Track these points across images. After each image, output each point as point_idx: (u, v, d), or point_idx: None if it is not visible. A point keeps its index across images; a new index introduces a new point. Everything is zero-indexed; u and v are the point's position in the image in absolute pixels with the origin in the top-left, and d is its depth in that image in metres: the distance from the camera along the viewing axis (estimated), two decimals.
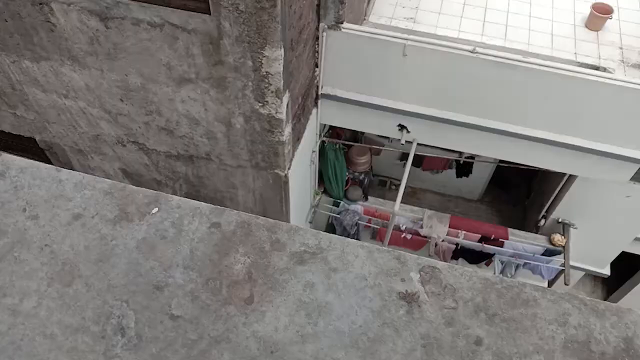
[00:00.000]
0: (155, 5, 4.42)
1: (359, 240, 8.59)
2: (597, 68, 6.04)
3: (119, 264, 1.55)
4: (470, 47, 5.47)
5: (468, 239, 8.00)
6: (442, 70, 5.74)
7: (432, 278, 1.51)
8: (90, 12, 4.69)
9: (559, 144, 6.09)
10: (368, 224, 8.35)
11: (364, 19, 6.92)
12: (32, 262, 1.55)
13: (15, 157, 1.73)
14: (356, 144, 8.38)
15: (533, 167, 6.80)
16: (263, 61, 4.58)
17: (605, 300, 10.86)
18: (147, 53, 4.89)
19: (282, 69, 4.64)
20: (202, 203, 1.66)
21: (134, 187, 1.68)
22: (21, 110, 6.38)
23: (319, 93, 6.37)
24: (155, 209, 1.65)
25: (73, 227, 1.61)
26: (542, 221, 8.22)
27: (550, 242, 7.92)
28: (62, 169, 1.71)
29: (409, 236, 8.15)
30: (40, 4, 4.78)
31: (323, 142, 7.43)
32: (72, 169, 7.14)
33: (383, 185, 10.26)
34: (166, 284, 1.51)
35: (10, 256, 1.56)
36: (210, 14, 4.30)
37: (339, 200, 8.26)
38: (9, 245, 1.58)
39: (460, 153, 8.39)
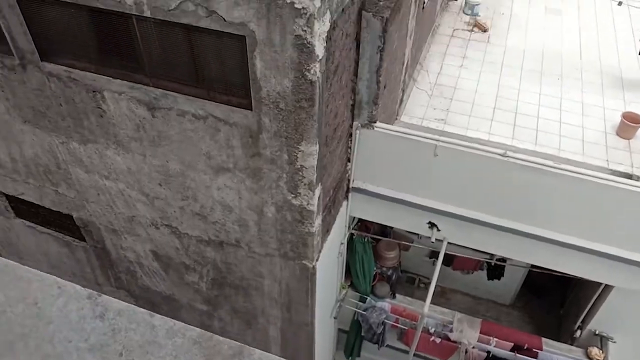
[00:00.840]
0: (201, 99, 4.72)
1: (384, 340, 8.28)
2: (630, 177, 6.01)
3: None
4: (501, 151, 5.56)
5: (500, 347, 7.62)
6: (472, 171, 5.81)
7: None
8: (139, 101, 5.03)
9: (592, 252, 5.94)
10: (395, 324, 8.08)
11: (396, 119, 7.16)
12: None
13: (112, 298, 1.82)
14: (385, 239, 8.33)
15: (566, 274, 6.60)
16: (298, 155, 4.75)
17: None
18: (189, 142, 5.14)
19: (316, 163, 4.79)
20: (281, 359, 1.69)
21: (219, 337, 1.74)
22: (63, 188, 6.66)
23: (350, 186, 6.48)
24: None
25: None
26: (578, 332, 7.80)
27: (587, 355, 7.46)
28: (154, 314, 1.79)
29: (438, 340, 7.83)
30: (94, 91, 5.16)
31: (352, 234, 7.43)
32: (104, 247, 7.29)
33: (411, 283, 10.04)
34: None
35: None
36: (252, 109, 4.56)
37: (365, 296, 8.08)
38: None
39: (492, 255, 8.23)
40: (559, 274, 6.66)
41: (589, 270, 6.29)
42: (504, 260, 8.59)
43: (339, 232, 6.84)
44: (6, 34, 5.01)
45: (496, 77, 8.09)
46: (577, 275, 6.59)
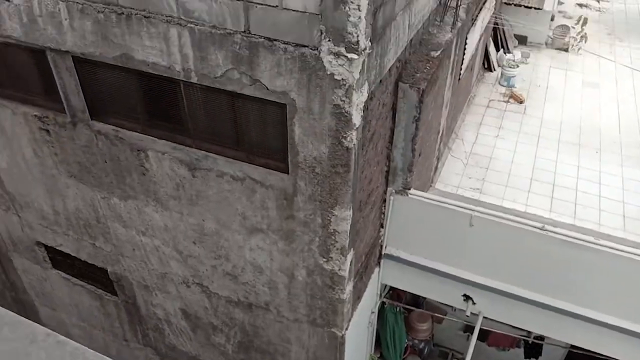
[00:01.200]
0: (240, 162, 4.85)
1: None
2: None
3: None
4: (539, 224, 5.45)
5: None
6: (509, 243, 5.69)
7: None
8: (181, 161, 5.20)
9: (637, 335, 5.63)
10: None
11: (431, 186, 7.16)
12: None
13: None
14: (417, 309, 8.11)
15: (609, 357, 6.23)
16: (332, 219, 4.77)
17: None
18: (225, 202, 5.25)
19: (349, 227, 4.79)
20: None
21: None
22: (100, 242, 6.81)
23: (383, 253, 6.42)
24: None
25: None
26: None
27: None
28: None
29: None
30: (139, 150, 5.37)
31: (383, 303, 7.27)
32: (134, 303, 7.32)
33: (444, 358, 9.63)
34: None
35: None
36: (288, 173, 4.65)
37: None
38: None
39: (529, 332, 7.89)
40: (602, 357, 6.31)
41: (633, 354, 5.93)
42: (542, 338, 8.21)
43: (370, 300, 6.70)
44: (61, 94, 5.34)
45: (533, 149, 8.06)
46: (620, 359, 6.22)
